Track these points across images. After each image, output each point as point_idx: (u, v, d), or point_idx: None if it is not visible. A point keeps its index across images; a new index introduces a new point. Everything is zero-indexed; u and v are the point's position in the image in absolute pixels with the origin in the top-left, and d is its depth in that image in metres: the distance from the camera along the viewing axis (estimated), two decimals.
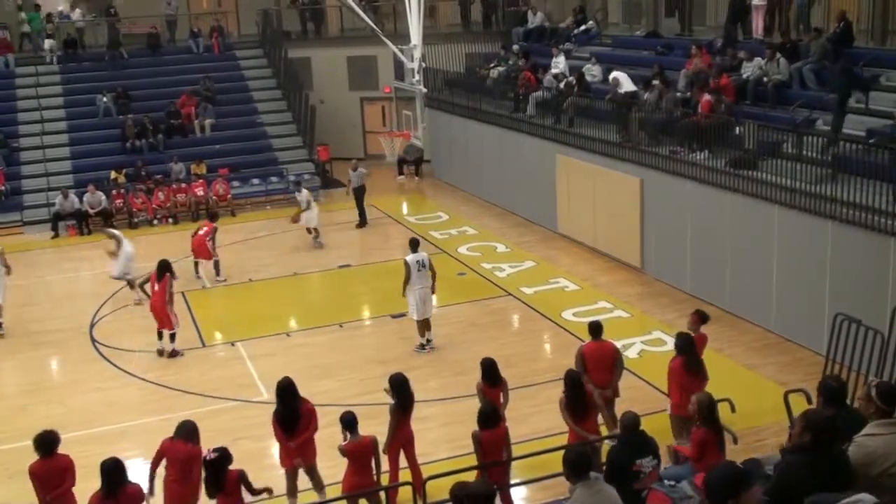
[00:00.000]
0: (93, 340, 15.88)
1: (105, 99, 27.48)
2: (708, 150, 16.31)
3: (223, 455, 8.43)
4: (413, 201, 25.95)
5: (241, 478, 8.53)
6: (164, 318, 14.85)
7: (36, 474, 8.83)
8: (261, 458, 10.87)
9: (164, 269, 14.98)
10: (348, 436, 9.13)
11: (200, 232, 18.92)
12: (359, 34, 30.10)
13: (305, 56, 30.71)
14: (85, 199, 23.73)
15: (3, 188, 24.57)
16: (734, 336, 14.56)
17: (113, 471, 8.09)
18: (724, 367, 12.85)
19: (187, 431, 9.09)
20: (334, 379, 13.62)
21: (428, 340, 14.77)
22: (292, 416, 9.68)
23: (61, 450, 8.91)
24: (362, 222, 22.88)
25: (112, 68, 29.24)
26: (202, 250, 18.79)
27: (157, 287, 14.86)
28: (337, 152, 28.78)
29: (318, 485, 9.99)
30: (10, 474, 10.47)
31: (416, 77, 27.59)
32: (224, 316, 17.28)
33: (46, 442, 8.84)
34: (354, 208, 22.81)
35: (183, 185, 24.96)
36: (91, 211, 23.62)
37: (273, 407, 9.94)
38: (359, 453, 9.09)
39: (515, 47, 26.39)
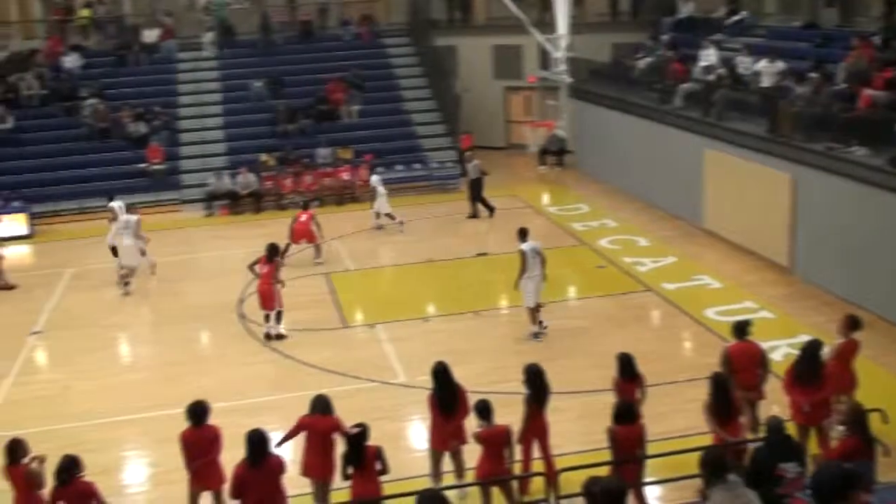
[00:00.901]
0: (240, 316, 16.51)
1: (258, 84, 28.47)
2: (868, 147, 15.54)
3: (364, 430, 8.69)
4: (554, 192, 25.80)
5: (379, 453, 8.75)
6: (269, 299, 15.17)
7: (186, 441, 9.30)
8: (397, 438, 11.07)
9: (274, 252, 15.41)
10: (483, 423, 9.19)
11: (302, 219, 19.59)
12: (505, 23, 30.05)
13: (452, 44, 30.92)
14: (237, 180, 24.69)
15: (163, 167, 25.81)
16: (888, 344, 13.85)
17: (259, 442, 8.44)
18: (877, 376, 12.26)
19: (324, 405, 9.38)
20: (469, 366, 13.64)
21: (542, 324, 14.87)
22: (450, 397, 9.81)
23: (212, 419, 9.35)
24: (474, 214, 22.79)
25: (265, 55, 30.24)
26: (307, 234, 19.43)
27: (265, 269, 15.25)
28: (480, 141, 28.89)
29: (461, 469, 10.06)
30: (160, 439, 11.03)
31: (562, 67, 27.38)
32: (365, 299, 17.64)
33: (198, 411, 9.29)
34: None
35: (329, 169, 25.63)
36: (242, 192, 24.55)
37: (411, 391, 10.09)
38: (493, 441, 9.14)
39: (664, 37, 25.82)
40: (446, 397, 9.81)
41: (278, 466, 8.58)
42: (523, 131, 30.28)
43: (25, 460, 8.91)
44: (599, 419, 9.74)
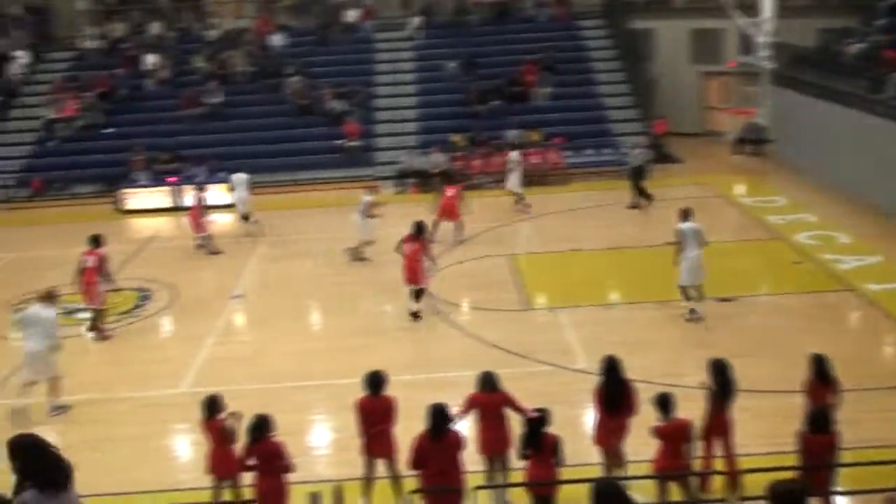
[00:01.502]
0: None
1: (452, 65, 28.86)
2: None
3: (544, 415, 8.70)
4: (750, 182, 24.80)
5: (556, 443, 8.72)
6: (416, 276, 15.42)
7: (362, 409, 9.60)
8: (572, 424, 10.99)
9: (420, 230, 15.77)
10: (662, 417, 8.99)
11: (448, 194, 19.65)
12: (705, 5, 29.09)
13: (648, 27, 30.23)
14: (428, 158, 25.18)
15: (358, 144, 26.67)
16: None
17: (440, 415, 8.60)
18: None
19: (491, 382, 9.46)
20: (650, 356, 13.41)
21: (692, 311, 14.81)
22: (617, 393, 9.60)
23: (389, 390, 9.63)
24: (635, 204, 22.19)
25: (460, 36, 30.58)
26: (452, 210, 19.54)
27: (413, 246, 15.48)
28: (674, 127, 28.18)
29: (620, 462, 9.88)
30: (345, 405, 11.43)
31: (764, 52, 26.21)
32: (547, 282, 17.61)
33: (375, 381, 9.58)
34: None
35: (518, 150, 25.65)
36: (432, 170, 25.02)
37: (589, 377, 9.99)
38: (672, 436, 8.92)
39: (879, 22, 24.21)
40: (613, 393, 9.59)
41: (457, 441, 8.73)
42: (720, 118, 29.24)
43: (222, 416, 9.48)
44: (787, 421, 9.35)
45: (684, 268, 14.76)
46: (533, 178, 25.16)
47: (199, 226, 20.31)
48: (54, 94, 28.59)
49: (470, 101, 27.81)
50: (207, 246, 20.25)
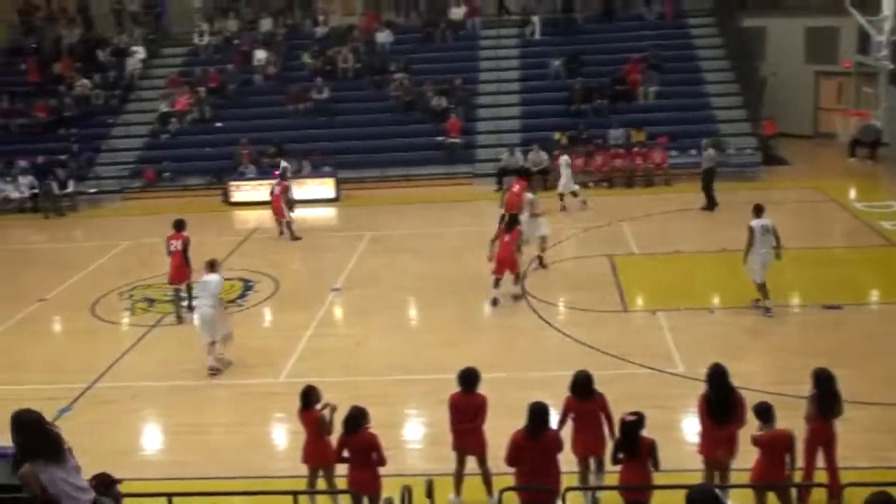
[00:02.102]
0: (523, 290, 16.78)
1: (557, 63, 28.66)
2: None
3: (640, 419, 8.55)
4: (863, 186, 23.88)
5: (652, 448, 8.56)
6: (512, 264, 15.96)
7: (454, 405, 9.64)
8: (669, 429, 10.80)
9: (514, 222, 16.25)
10: (763, 426, 8.73)
11: (514, 189, 19.40)
12: (821, 3, 28.14)
13: (760, 25, 29.43)
14: (529, 157, 25.07)
15: (460, 141, 26.74)
16: None
17: (539, 414, 8.54)
18: None
19: (584, 386, 9.33)
20: (751, 363, 13.04)
21: (766, 307, 14.83)
22: (723, 402, 9.20)
23: (481, 388, 9.62)
24: (710, 205, 21.67)
25: (566, 34, 30.34)
26: (517, 205, 19.11)
27: (507, 237, 15.96)
28: (784, 127, 27.40)
29: (723, 474, 9.62)
30: (439, 400, 11.47)
31: (884, 51, 25.22)
32: (648, 284, 17.32)
33: (468, 378, 9.59)
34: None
35: (621, 150, 25.36)
36: (533, 168, 24.89)
37: (687, 381, 9.78)
38: (772, 445, 8.66)
39: None
40: (719, 402, 9.21)
41: (555, 442, 8.67)
42: (834, 120, 28.27)
43: (318, 406, 9.64)
44: (892, 435, 8.96)
45: (756, 265, 14.78)
46: (636, 179, 24.85)
47: (279, 211, 21.27)
48: (168, 89, 29.56)
49: (573, 100, 27.57)
50: (288, 231, 21.08)
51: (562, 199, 22.29)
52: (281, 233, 21.46)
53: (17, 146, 28.13)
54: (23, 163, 26.89)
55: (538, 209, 18.09)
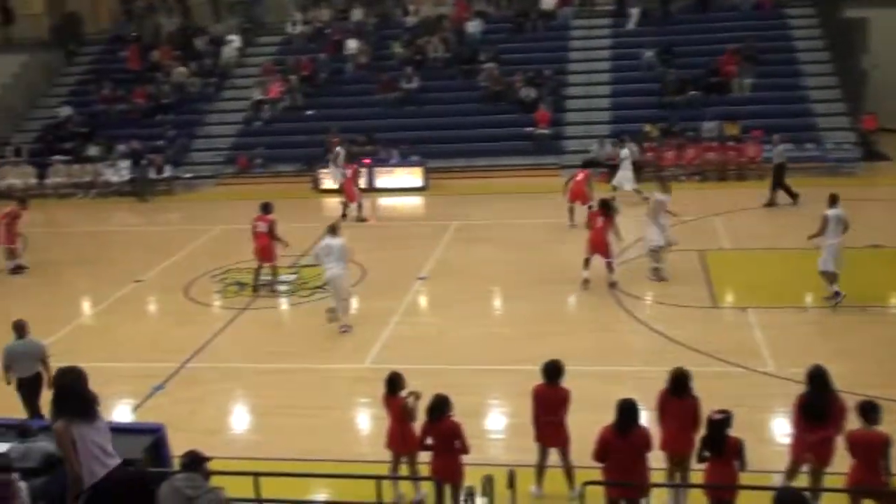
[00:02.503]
0: (610, 284, 16.59)
1: (649, 54, 28.21)
2: None
3: (728, 417, 8.37)
4: None
5: (740, 447, 8.37)
6: (603, 248, 16.12)
7: (537, 397, 9.59)
8: (758, 429, 10.58)
9: (608, 207, 16.23)
10: (863, 425, 8.42)
11: (578, 178, 19.69)
12: None
13: (863, 16, 28.42)
14: (618, 149, 24.71)
15: (548, 132, 26.58)
16: None
17: (629, 410, 8.44)
18: None
19: (681, 384, 9.12)
20: (845, 364, 12.58)
21: (836, 293, 14.78)
22: (820, 406, 8.92)
23: (566, 381, 9.55)
24: (772, 202, 21.31)
25: (659, 24, 29.85)
26: (581, 194, 19.68)
27: (600, 222, 16.06)
28: (887, 122, 26.44)
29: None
30: (521, 392, 11.44)
31: None
32: (738, 280, 16.95)
33: (552, 370, 9.52)
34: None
35: (714, 143, 24.85)
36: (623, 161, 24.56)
37: (777, 381, 9.54)
38: (865, 447, 8.36)
39: None
40: (818, 405, 8.90)
41: (645, 439, 8.54)
42: None
43: (403, 393, 9.71)
44: None
45: (829, 254, 14.74)
46: (728, 173, 24.34)
47: (352, 195, 21.96)
48: (262, 77, 30.11)
49: (666, 91, 27.12)
50: (357, 214, 21.88)
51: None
52: (344, 216, 21.90)
53: (117, 131, 29.07)
54: (122, 147, 27.74)
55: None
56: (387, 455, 9.92)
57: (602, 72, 28.86)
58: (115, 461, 6.65)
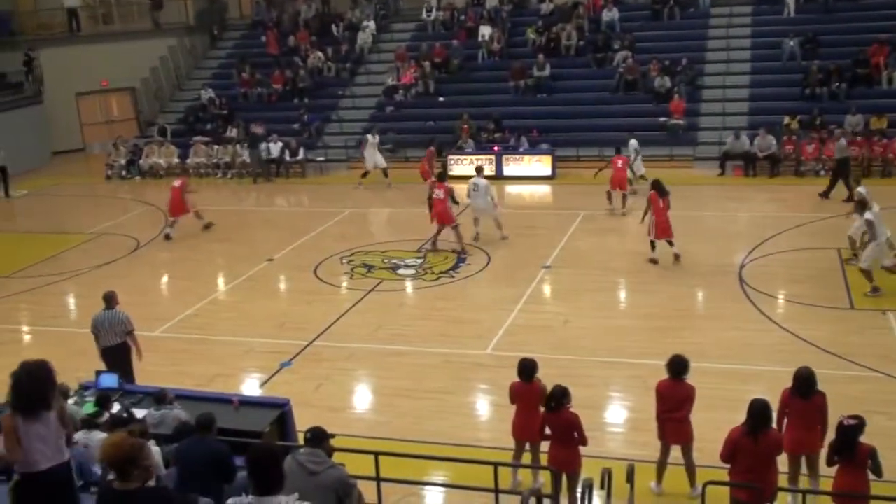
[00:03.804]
0: (741, 281, 16.15)
1: (792, 43, 27.17)
2: None
3: (861, 424, 8.02)
4: None
5: (872, 454, 8.02)
6: (664, 229, 16.91)
7: (661, 392, 9.42)
8: (893, 436, 10.10)
9: (661, 188, 17.10)
10: None
11: (617, 164, 20.68)
12: None
13: None
14: (755, 141, 23.99)
15: (682, 122, 25.98)
16: None
17: (761, 411, 8.19)
18: None
19: (807, 383, 8.83)
20: None
21: (875, 289, 14.95)
22: None
23: (690, 378, 9.35)
24: (827, 193, 20.95)
25: (803, 12, 28.71)
26: (620, 181, 20.62)
27: (660, 204, 16.82)
28: None
29: None
30: (645, 386, 11.28)
31: None
32: (879, 280, 16.12)
33: (678, 366, 9.32)
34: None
35: (858, 138, 23.76)
36: (759, 154, 23.83)
37: None
38: None
39: None
40: None
41: (776, 442, 8.29)
42: None
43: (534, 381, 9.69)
44: None
45: (875, 252, 14.96)
46: (873, 169, 23.26)
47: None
48: (395, 63, 30.50)
49: (808, 83, 26.06)
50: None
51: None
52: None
53: (254, 114, 30.01)
54: (259, 130, 28.61)
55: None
56: (505, 442, 9.95)
57: (741, 61, 27.97)
58: (62, 458, 6.57)
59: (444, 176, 20.22)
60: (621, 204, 20.86)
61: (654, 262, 17.08)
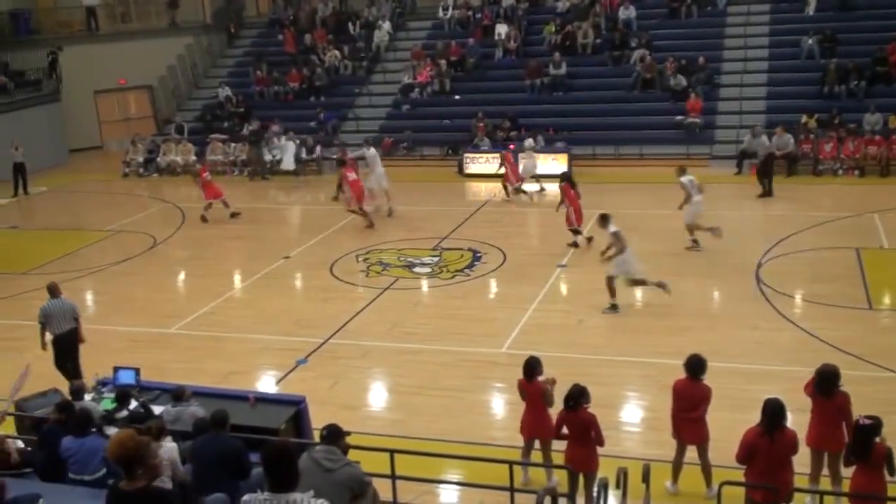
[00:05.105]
0: (757, 280, 16.07)
1: (810, 41, 27.01)
2: None
3: (877, 424, 7.98)
4: None
5: (889, 455, 7.97)
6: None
7: (677, 392, 9.39)
8: None
9: (572, 180, 18.71)
10: None
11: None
12: None
13: None
14: (773, 140, 23.84)
15: (699, 121, 25.87)
16: None
17: (777, 411, 8.15)
18: None
19: (836, 381, 8.76)
20: None
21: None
22: None
23: (706, 377, 9.31)
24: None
25: (822, 10, 28.50)
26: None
27: (573, 193, 18.08)
28: None
29: None
30: (661, 385, 11.24)
31: None
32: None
33: (696, 365, 9.29)
34: None
35: (877, 137, 23.60)
36: (777, 153, 23.68)
37: None
38: None
39: None
40: None
41: (791, 441, 8.23)
42: None
43: (541, 379, 9.69)
44: None
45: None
46: (892, 168, 23.11)
47: (515, 175, 22.98)
48: (412, 61, 30.50)
49: (826, 81, 25.89)
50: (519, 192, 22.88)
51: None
52: (517, 190, 23.29)
53: (270, 112, 30.10)
54: (276, 128, 28.68)
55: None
56: (520, 440, 9.94)
57: (758, 59, 27.82)
58: None
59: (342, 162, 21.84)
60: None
61: (575, 245, 18.47)
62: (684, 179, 17.88)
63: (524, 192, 23.00)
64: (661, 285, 14.97)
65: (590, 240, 18.45)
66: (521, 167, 23.64)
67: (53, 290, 12.95)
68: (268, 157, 27.74)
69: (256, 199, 25.52)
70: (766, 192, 21.76)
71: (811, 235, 18.42)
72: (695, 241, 17.96)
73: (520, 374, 9.78)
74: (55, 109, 32.43)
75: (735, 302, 15.35)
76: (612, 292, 15.02)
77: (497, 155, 23.88)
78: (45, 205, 26.50)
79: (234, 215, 22.37)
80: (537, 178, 23.69)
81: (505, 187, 23.12)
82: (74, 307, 13.01)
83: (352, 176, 20.70)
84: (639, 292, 16.37)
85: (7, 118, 29.72)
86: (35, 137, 29.52)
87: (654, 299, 15.79)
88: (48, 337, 12.76)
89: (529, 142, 24.49)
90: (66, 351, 12.67)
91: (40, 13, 35.18)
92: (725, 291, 15.95)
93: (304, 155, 27.37)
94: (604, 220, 15.32)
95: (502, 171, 23.04)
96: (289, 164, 26.89)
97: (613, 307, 15.05)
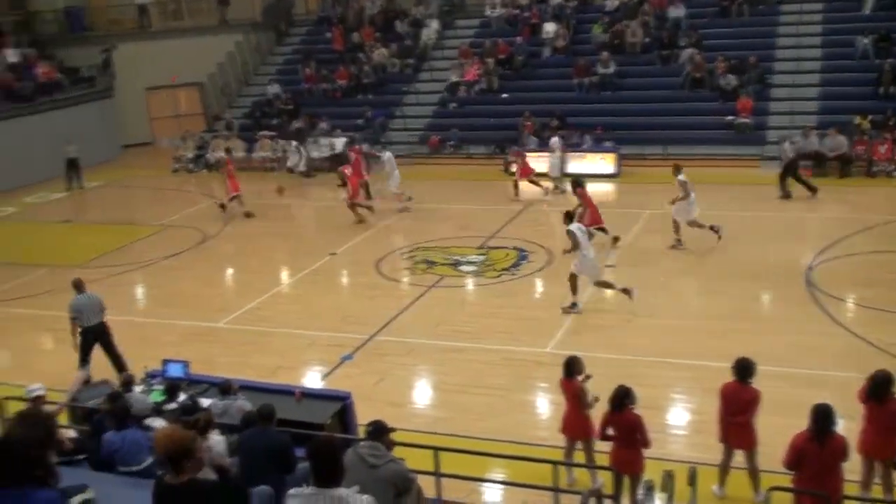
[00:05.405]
0: (808, 283, 15.83)
1: (865, 41, 26.52)
2: None
3: None
4: None
5: None
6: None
7: (725, 395, 9.28)
8: None
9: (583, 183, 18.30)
10: None
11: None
12: None
13: None
14: (825, 141, 23.48)
15: (749, 121, 25.54)
16: None
17: (825, 416, 8.03)
18: None
19: (888, 389, 8.62)
20: None
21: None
22: None
23: (754, 380, 9.19)
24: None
25: (877, 9, 27.97)
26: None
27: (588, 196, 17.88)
28: None
29: None
30: (708, 388, 11.12)
31: None
32: None
33: (745, 368, 9.18)
34: None
35: None
36: (829, 154, 23.31)
37: None
38: None
39: None
40: None
41: (841, 447, 8.09)
42: None
43: (580, 378, 9.65)
44: None
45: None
46: None
47: (527, 172, 23.25)
48: (459, 59, 30.50)
49: (882, 81, 25.40)
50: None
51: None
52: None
53: (319, 109, 30.32)
54: (324, 125, 28.87)
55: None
56: (564, 440, 9.90)
57: (811, 59, 27.36)
58: None
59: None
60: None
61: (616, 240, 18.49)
62: (682, 178, 17.68)
63: (539, 184, 23.00)
64: (626, 291, 14.96)
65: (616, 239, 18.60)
66: (547, 166, 23.84)
67: (80, 286, 13.29)
68: (315, 154, 27.90)
69: (301, 195, 25.72)
70: (785, 195, 21.39)
71: (864, 238, 18.09)
72: (678, 241, 17.97)
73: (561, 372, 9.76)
74: (108, 106, 33.00)
75: (785, 305, 15.13)
76: (574, 290, 15.03)
77: (546, 153, 23.88)
78: (97, 199, 26.97)
79: (248, 215, 22.49)
80: (560, 178, 23.54)
81: (515, 185, 23.07)
82: (101, 300, 13.29)
83: (348, 172, 21.67)
84: (686, 293, 16.25)
85: (61, 114, 30.34)
86: (88, 133, 30.08)
87: (702, 302, 15.66)
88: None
89: (555, 140, 24.32)
90: (99, 343, 13.01)
91: (93, 11, 35.80)
92: (774, 295, 15.72)
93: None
94: (568, 217, 15.34)
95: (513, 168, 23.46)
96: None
97: (573, 305, 15.02)
